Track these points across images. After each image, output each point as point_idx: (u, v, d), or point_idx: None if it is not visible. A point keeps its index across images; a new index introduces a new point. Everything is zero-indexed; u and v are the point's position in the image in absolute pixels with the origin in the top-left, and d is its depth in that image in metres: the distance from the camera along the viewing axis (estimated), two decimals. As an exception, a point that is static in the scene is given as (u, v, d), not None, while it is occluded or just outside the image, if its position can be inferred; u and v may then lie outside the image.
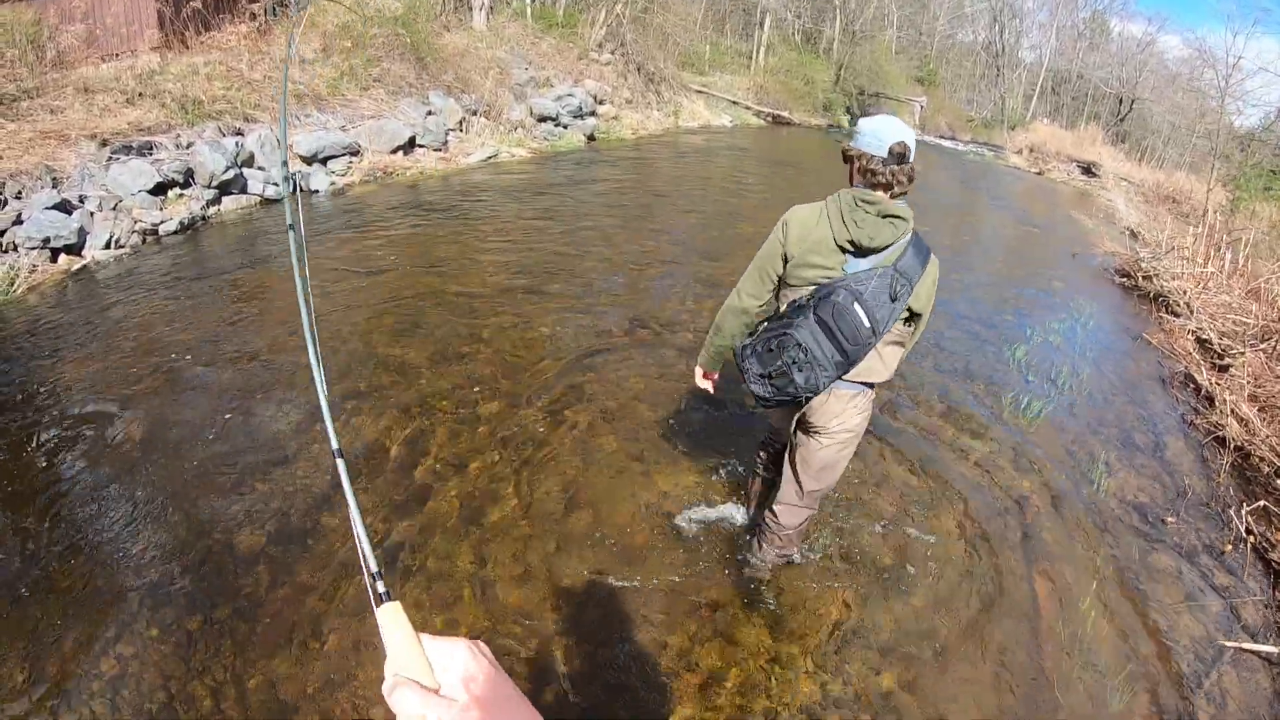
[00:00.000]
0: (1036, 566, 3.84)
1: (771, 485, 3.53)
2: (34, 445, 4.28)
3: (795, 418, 2.94)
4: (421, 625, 0.68)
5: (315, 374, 0.89)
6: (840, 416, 2.82)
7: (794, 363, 2.54)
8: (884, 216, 2.50)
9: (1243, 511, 4.56)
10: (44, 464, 4.12)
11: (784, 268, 2.72)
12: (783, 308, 2.76)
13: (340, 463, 0.83)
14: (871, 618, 3.37)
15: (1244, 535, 4.42)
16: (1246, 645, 3.57)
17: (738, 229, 10.34)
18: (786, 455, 3.17)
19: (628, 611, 3.32)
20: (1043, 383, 5.94)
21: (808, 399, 2.70)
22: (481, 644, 0.65)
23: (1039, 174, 26.23)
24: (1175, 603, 3.78)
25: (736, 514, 3.94)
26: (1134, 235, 13.01)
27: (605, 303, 6.87)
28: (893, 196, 2.55)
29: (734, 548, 3.72)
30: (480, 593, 3.37)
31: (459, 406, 4.83)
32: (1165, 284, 9.06)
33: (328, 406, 0.89)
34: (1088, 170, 26.58)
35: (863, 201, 2.50)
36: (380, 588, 0.67)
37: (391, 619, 0.64)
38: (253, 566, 3.40)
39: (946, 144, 33.55)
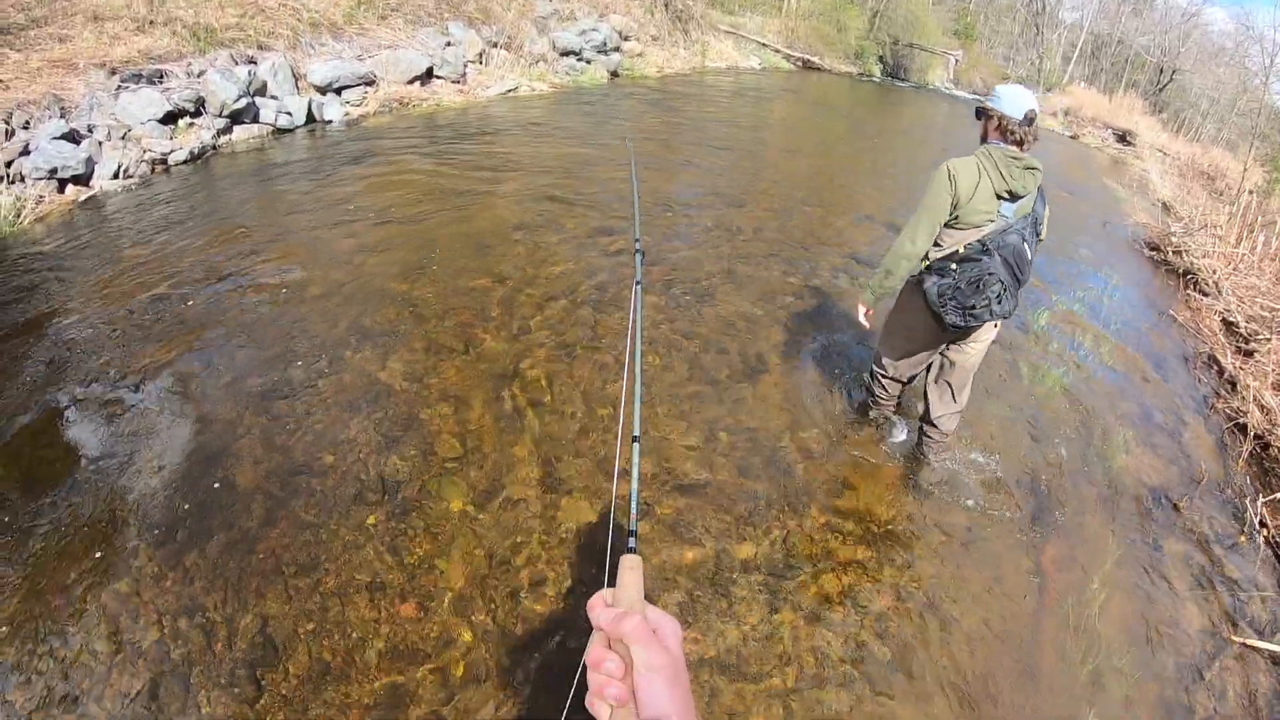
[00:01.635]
0: (1046, 541, 3.77)
1: (895, 417, 4.36)
2: (33, 375, 4.19)
3: (946, 342, 3.61)
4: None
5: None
6: (987, 329, 3.45)
7: (997, 296, 3.08)
8: (1026, 169, 3.07)
9: (1259, 503, 4.44)
10: (43, 394, 4.07)
11: (950, 214, 3.16)
12: (948, 250, 3.24)
13: (636, 434, 1.15)
14: (876, 575, 3.37)
15: (1258, 527, 4.31)
16: (1252, 641, 3.48)
17: (762, 175, 10.10)
18: (932, 379, 3.81)
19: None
20: (1063, 352, 5.80)
21: (1000, 320, 3.30)
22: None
23: (1073, 138, 25.40)
24: (1184, 591, 3.70)
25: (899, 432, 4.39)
26: (1166, 208, 12.72)
27: (623, 241, 6.70)
28: (1023, 150, 3.10)
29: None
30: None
31: (469, 346, 4.76)
32: (1195, 261, 8.81)
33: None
34: (1123, 138, 25.70)
35: (1011, 158, 3.06)
36: (632, 542, 0.83)
37: (633, 568, 0.76)
38: (250, 502, 3.37)
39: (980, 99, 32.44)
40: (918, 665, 3.01)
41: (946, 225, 3.20)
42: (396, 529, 3.31)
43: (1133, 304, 7.75)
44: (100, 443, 3.73)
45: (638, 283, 1.49)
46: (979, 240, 3.15)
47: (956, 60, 37.79)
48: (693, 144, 11.35)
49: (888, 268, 3.39)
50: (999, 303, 3.10)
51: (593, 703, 0.67)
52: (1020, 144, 3.09)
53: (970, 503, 3.93)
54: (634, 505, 0.97)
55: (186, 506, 3.34)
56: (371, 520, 3.33)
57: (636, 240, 1.75)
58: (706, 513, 3.63)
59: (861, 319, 3.75)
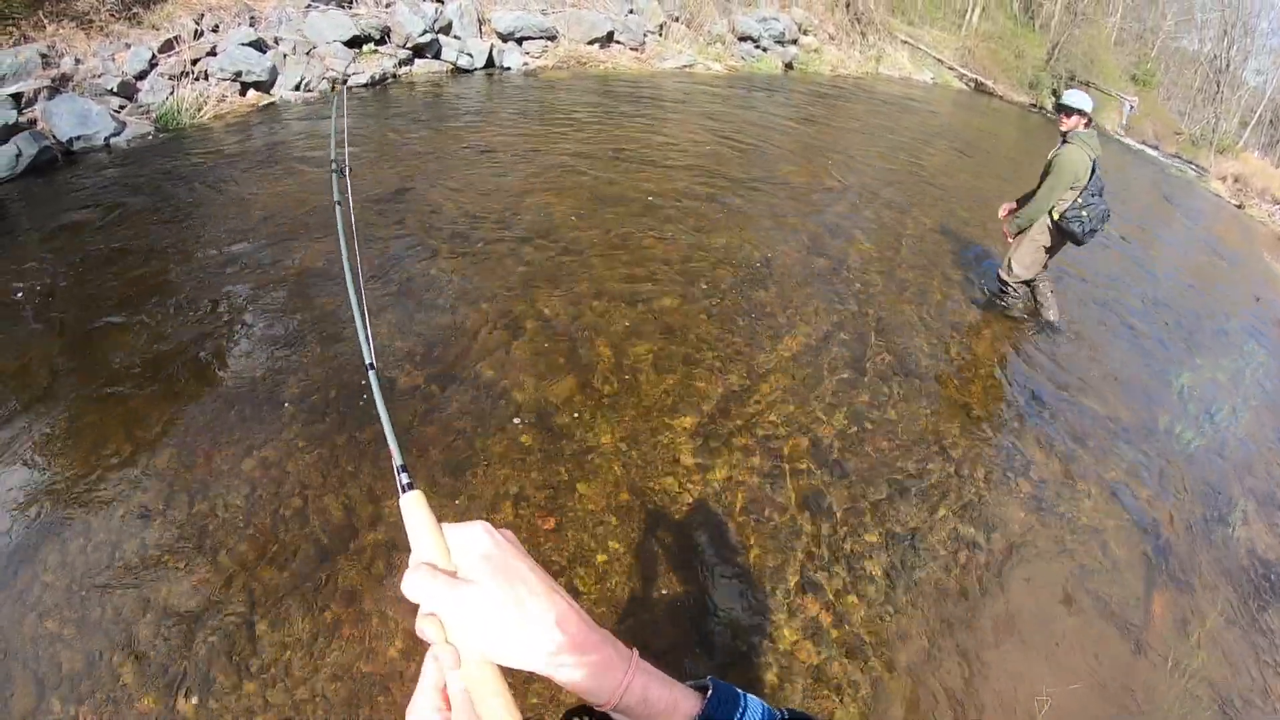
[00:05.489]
0: (1156, 588, 3.58)
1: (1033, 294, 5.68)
2: (214, 262, 4.28)
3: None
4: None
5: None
6: None
7: (1104, 218, 4.99)
8: (1095, 139, 4.96)
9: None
10: (222, 278, 4.13)
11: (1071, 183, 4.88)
12: (1076, 199, 4.91)
13: (369, 361, 0.85)
14: (989, 587, 3.22)
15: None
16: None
17: (925, 190, 8.88)
18: (1047, 261, 5.39)
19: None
20: (1200, 415, 5.55)
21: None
22: (503, 530, 0.62)
23: (1238, 206, 22.71)
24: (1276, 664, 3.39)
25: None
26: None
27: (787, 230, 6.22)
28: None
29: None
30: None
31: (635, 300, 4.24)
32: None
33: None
34: (1293, 215, 22.76)
35: (1090, 138, 4.91)
36: (404, 479, 0.67)
37: (412, 508, 0.63)
38: (409, 398, 3.38)
39: (1149, 151, 29.76)
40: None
41: (1070, 187, 4.90)
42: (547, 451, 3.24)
43: (1275, 383, 6.98)
44: (254, 322, 3.79)
45: (337, 203, 1.13)
46: (1094, 192, 4.91)
47: (1132, 107, 34.84)
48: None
49: (1030, 216, 5.11)
50: (1104, 221, 5.02)
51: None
52: (1089, 124, 4.99)
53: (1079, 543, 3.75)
54: (391, 439, 0.74)
55: (333, 394, 3.33)
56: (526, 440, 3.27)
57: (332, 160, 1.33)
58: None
59: (1009, 240, 5.49)
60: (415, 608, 0.57)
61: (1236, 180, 26.54)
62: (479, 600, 0.56)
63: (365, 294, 0.83)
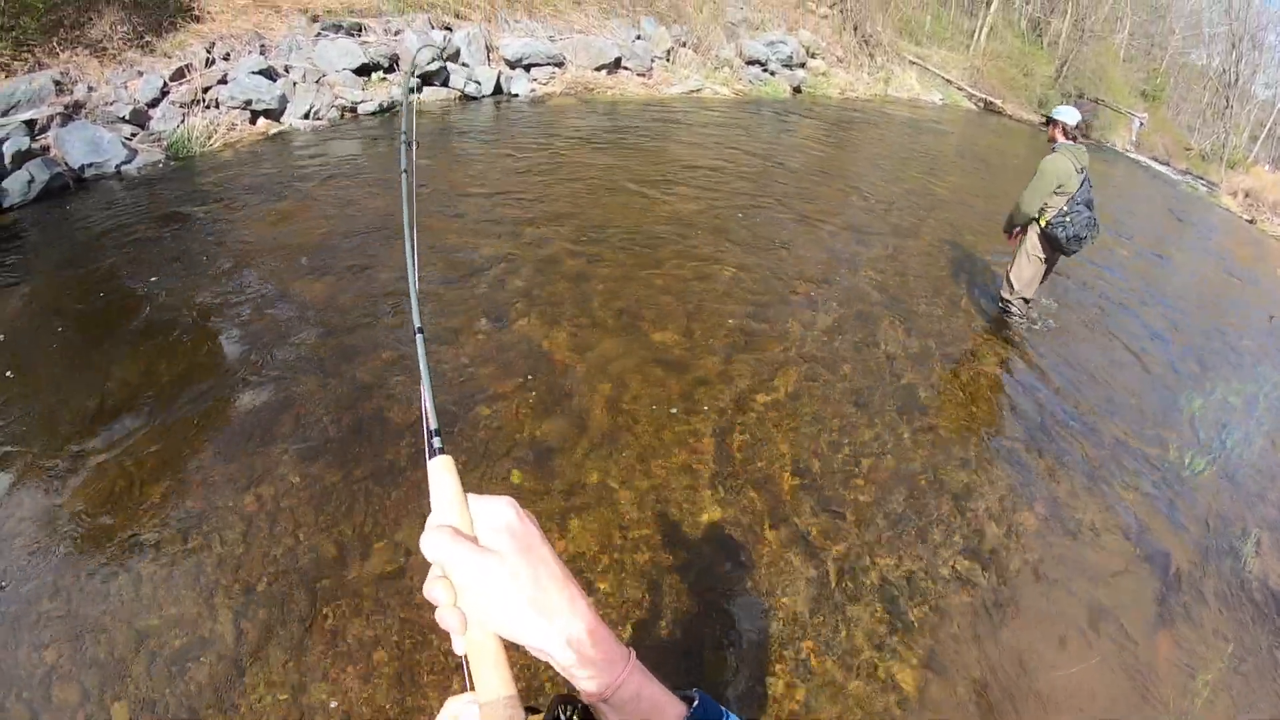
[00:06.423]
0: (1163, 626, 3.49)
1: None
2: (210, 292, 4.29)
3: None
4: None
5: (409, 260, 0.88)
6: None
7: (1090, 226, 5.12)
8: (1082, 151, 5.16)
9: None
10: (221, 309, 4.14)
11: (1054, 187, 5.09)
12: (1062, 205, 5.10)
13: (417, 325, 0.84)
14: (984, 628, 3.15)
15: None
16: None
17: (931, 214, 8.84)
18: (1045, 275, 5.58)
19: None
20: (1212, 442, 5.45)
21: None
22: (528, 511, 0.62)
23: (1250, 221, 22.50)
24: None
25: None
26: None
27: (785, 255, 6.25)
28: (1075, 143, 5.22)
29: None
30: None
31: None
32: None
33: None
34: (1304, 231, 22.50)
35: (1075, 149, 5.11)
36: (436, 443, 0.66)
37: (440, 472, 0.63)
38: (400, 438, 3.34)
39: (1159, 167, 29.56)
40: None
41: (1054, 193, 5.10)
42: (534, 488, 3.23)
43: (1290, 406, 6.97)
44: (252, 353, 3.75)
45: (404, 171, 1.10)
46: (1080, 201, 5.07)
47: (1141, 123, 34.72)
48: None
49: (1012, 215, 5.42)
50: (1093, 231, 5.14)
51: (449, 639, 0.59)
52: (1074, 139, 5.21)
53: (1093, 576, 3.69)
54: (428, 402, 0.71)
55: (335, 428, 3.34)
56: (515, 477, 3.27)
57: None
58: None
59: (1010, 242, 5.69)
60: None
61: (1248, 195, 26.31)
62: (499, 572, 0.57)
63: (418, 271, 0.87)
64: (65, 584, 2.53)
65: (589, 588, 2.76)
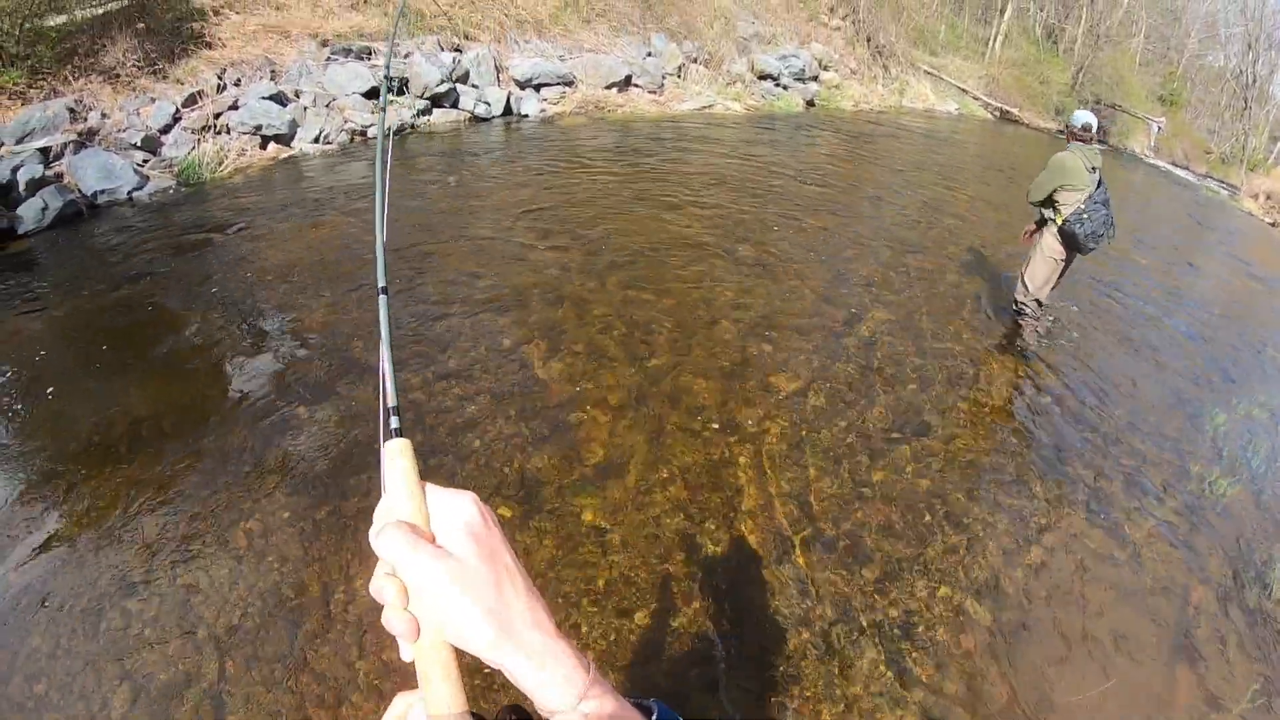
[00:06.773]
0: (1183, 660, 3.36)
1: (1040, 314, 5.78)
2: (217, 318, 4.32)
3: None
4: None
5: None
6: None
7: (1107, 224, 5.11)
8: (1095, 152, 5.20)
9: None
10: (231, 338, 4.16)
11: (1060, 183, 5.17)
12: (1078, 205, 5.09)
13: (381, 285, 0.77)
14: (1002, 649, 3.11)
15: None
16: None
17: (943, 225, 8.72)
18: (1059, 276, 5.51)
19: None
20: (1236, 461, 5.21)
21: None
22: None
23: (1272, 225, 22.03)
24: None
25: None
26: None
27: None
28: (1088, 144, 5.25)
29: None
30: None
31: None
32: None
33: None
34: (1331, 234, 22.01)
35: (1087, 149, 5.15)
36: (394, 423, 0.60)
37: (396, 456, 0.57)
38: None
39: (1179, 172, 29.13)
40: None
41: (1065, 189, 5.14)
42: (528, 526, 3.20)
43: (1319, 421, 6.64)
44: (249, 386, 3.72)
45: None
46: (1098, 200, 5.08)
47: (1160, 128, 34.24)
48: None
49: (1034, 204, 5.40)
50: (1110, 229, 5.14)
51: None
52: (1088, 141, 5.21)
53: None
54: (387, 373, 0.64)
55: (324, 462, 3.34)
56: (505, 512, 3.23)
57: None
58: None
59: (1025, 242, 5.77)
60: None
61: (1269, 198, 25.87)
62: (459, 577, 0.52)
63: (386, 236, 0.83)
64: (56, 612, 2.54)
65: (572, 625, 2.72)
